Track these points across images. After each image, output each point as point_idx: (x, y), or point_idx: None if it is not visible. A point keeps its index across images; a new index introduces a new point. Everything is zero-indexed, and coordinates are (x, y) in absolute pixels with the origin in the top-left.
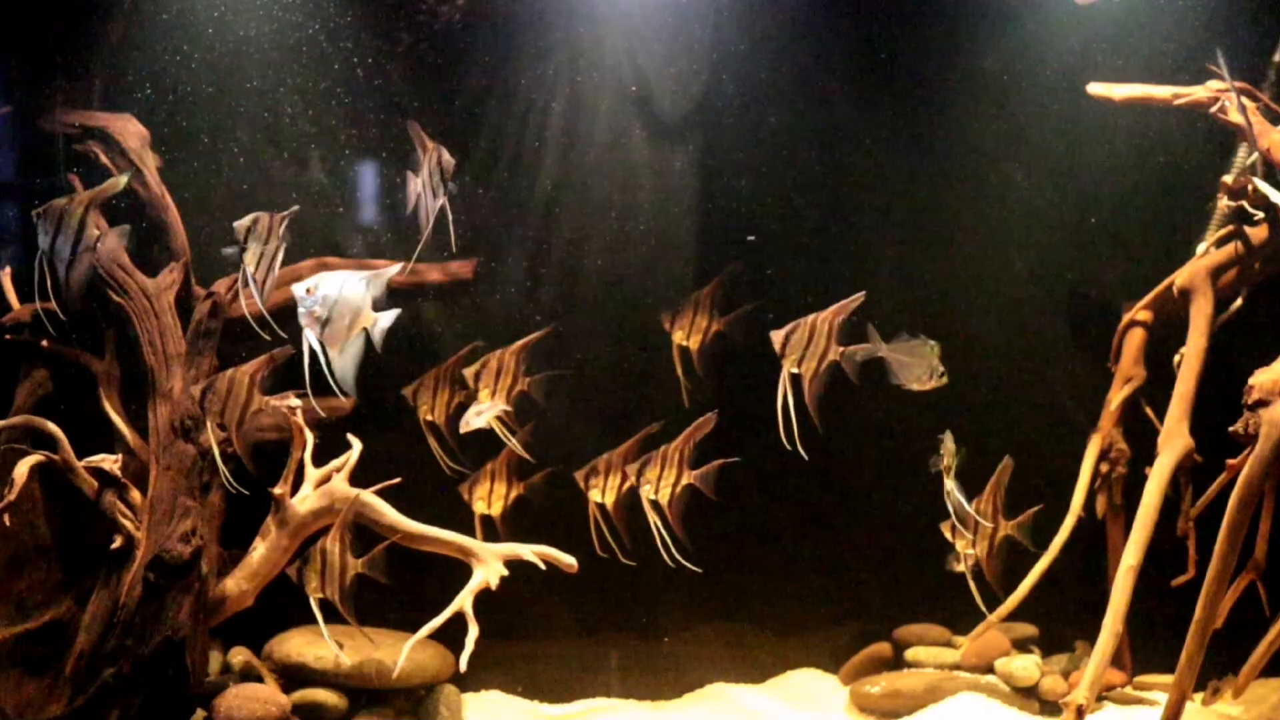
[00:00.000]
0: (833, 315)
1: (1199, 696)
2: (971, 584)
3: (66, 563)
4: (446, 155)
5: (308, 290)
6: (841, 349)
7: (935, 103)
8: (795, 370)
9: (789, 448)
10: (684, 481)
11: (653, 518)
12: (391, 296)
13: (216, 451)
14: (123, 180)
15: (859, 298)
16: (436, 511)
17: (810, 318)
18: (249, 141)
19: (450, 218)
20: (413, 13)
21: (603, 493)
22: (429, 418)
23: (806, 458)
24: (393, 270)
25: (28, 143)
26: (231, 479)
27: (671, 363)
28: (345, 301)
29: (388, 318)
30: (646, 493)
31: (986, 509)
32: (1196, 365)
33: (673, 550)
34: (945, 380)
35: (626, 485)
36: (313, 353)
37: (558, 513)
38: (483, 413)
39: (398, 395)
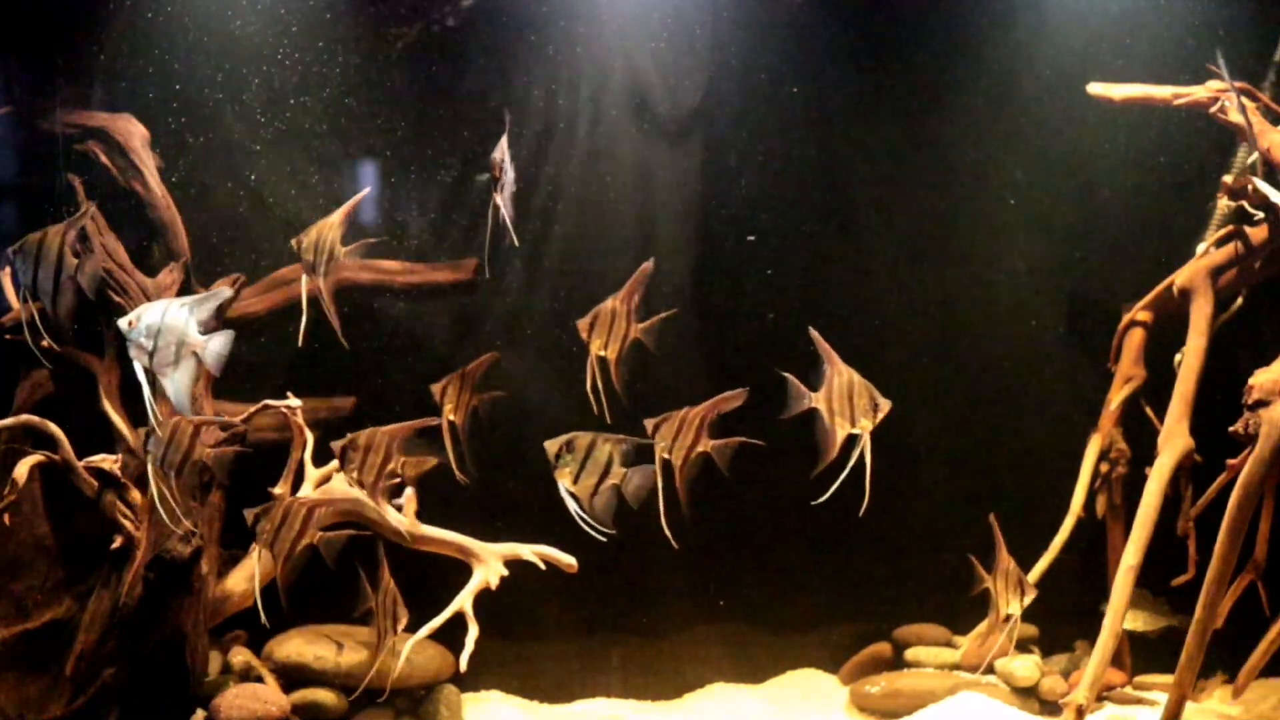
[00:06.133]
0: (630, 297)
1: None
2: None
3: (66, 563)
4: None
5: (130, 323)
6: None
7: (935, 103)
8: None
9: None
10: (699, 448)
11: (659, 478)
12: (394, 298)
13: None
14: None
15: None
16: (436, 512)
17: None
18: (250, 141)
19: (506, 213)
20: (416, 13)
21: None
22: (451, 417)
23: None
24: (224, 294)
25: (28, 143)
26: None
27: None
28: (168, 329)
29: (219, 340)
30: (661, 449)
31: (1008, 567)
32: (1196, 365)
33: (664, 523)
34: None
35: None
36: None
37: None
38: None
39: (396, 396)
